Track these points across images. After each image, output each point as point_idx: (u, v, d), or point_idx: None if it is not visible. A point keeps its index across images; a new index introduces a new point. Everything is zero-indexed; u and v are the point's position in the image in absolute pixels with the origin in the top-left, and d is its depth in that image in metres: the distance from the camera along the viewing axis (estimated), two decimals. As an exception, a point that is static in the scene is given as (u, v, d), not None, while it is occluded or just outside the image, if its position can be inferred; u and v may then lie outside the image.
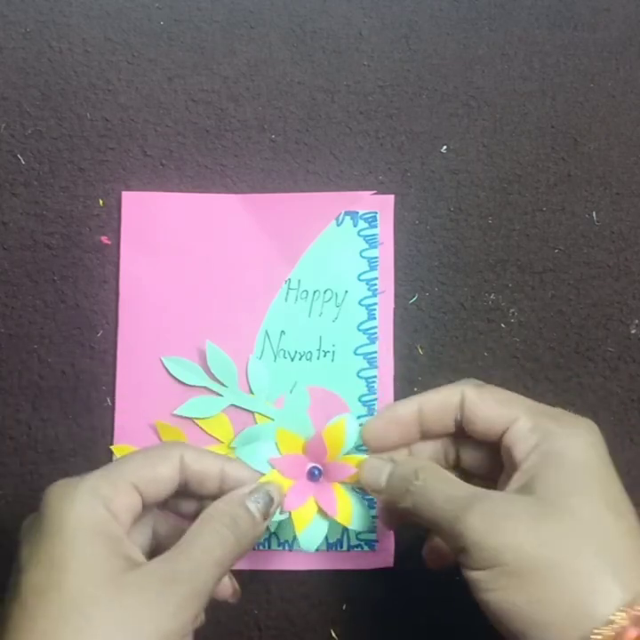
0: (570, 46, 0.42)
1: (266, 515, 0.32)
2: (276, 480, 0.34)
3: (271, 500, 0.32)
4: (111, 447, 0.39)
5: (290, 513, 0.34)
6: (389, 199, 0.41)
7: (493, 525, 0.28)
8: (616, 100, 0.42)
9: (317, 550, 0.38)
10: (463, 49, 0.42)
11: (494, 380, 0.40)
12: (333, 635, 0.39)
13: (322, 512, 0.34)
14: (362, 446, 0.34)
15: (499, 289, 0.41)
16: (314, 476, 0.34)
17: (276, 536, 0.39)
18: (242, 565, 0.39)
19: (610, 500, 0.29)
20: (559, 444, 0.29)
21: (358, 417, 0.39)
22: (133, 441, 0.39)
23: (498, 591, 0.28)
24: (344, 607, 0.39)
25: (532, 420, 0.30)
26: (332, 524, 0.35)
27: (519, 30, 0.42)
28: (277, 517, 0.34)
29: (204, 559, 0.29)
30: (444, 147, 0.41)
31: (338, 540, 0.39)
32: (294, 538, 0.39)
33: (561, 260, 0.41)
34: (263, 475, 0.33)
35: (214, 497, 0.31)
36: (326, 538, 0.38)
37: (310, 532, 0.34)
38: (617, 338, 0.41)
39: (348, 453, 0.34)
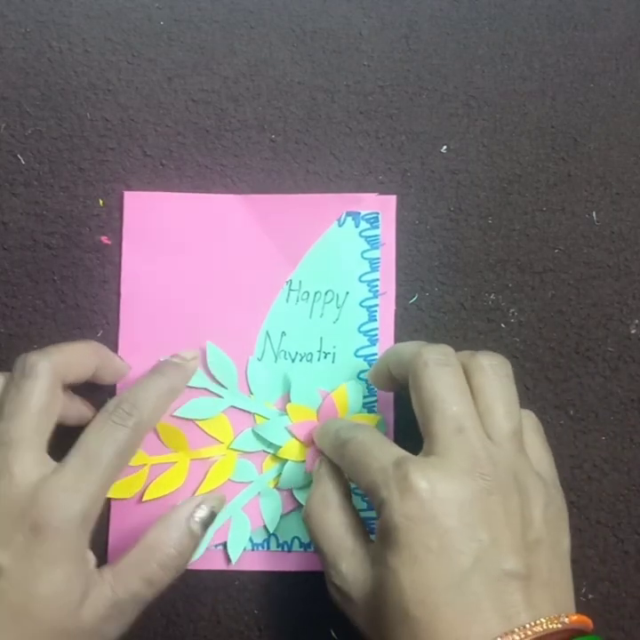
0: (570, 46, 0.42)
1: (206, 528, 0.35)
2: (295, 448, 0.38)
3: (213, 516, 0.35)
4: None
5: (312, 474, 0.37)
6: (391, 200, 0.41)
7: None
8: (616, 100, 0.42)
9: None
10: (463, 49, 0.42)
11: (494, 380, 0.40)
12: (333, 635, 0.39)
13: None
14: (367, 403, 0.39)
15: (499, 289, 0.41)
16: None
17: (276, 537, 0.39)
18: (240, 567, 0.39)
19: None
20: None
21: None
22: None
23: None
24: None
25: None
26: None
27: (519, 30, 0.42)
28: (299, 482, 0.38)
29: (142, 587, 0.33)
30: (444, 147, 0.41)
31: None
32: (293, 539, 0.39)
33: (561, 259, 0.41)
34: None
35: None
36: None
37: None
38: (617, 338, 0.41)
39: (355, 413, 0.39)
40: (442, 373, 0.32)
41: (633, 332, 0.41)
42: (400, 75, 0.41)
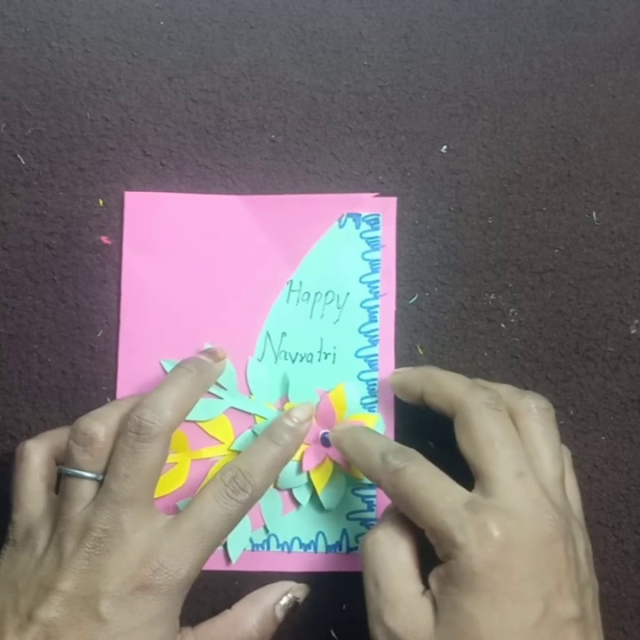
0: (570, 46, 0.42)
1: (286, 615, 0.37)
2: None
3: (297, 606, 0.37)
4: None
5: (308, 473, 0.38)
6: (392, 201, 0.41)
7: None
8: (616, 100, 0.42)
9: (317, 551, 0.38)
10: (463, 49, 0.42)
11: (494, 380, 0.40)
12: (333, 635, 0.39)
13: (337, 468, 0.38)
14: (367, 404, 0.39)
15: (499, 289, 0.41)
16: (325, 441, 0.38)
17: (276, 537, 0.39)
18: (240, 567, 0.39)
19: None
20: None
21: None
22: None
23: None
24: (344, 607, 0.39)
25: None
26: (349, 480, 0.39)
27: (519, 30, 0.42)
28: (297, 482, 0.38)
29: None
30: (444, 147, 0.41)
31: (337, 542, 0.39)
32: (293, 539, 0.39)
33: (561, 259, 0.41)
34: None
35: None
36: (325, 540, 0.39)
37: (330, 489, 0.39)
38: (617, 338, 0.41)
39: (354, 413, 0.39)
40: (496, 417, 0.33)
41: (633, 332, 0.41)
42: (400, 75, 0.41)
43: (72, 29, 0.41)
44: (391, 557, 0.32)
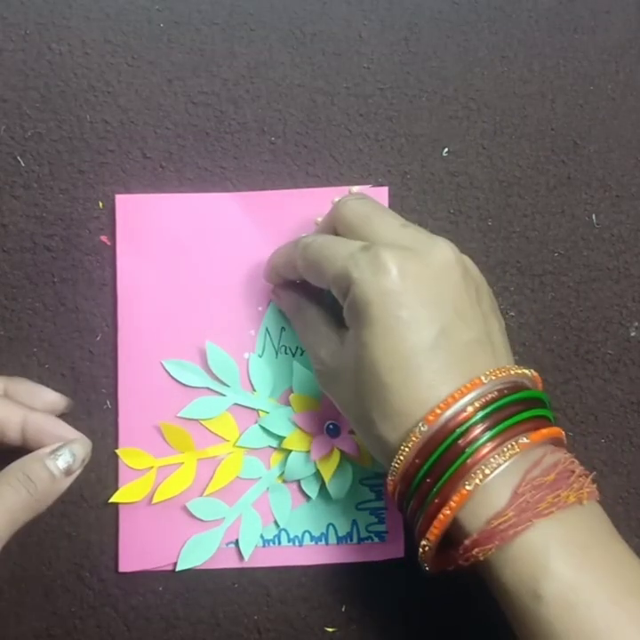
0: (570, 49, 0.42)
1: (69, 471, 0.33)
2: (299, 439, 0.38)
3: (74, 457, 0.33)
4: (117, 451, 0.39)
5: (315, 463, 0.38)
6: (383, 191, 0.41)
7: None
8: (616, 103, 0.42)
9: (328, 543, 0.39)
10: (463, 51, 0.42)
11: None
12: (333, 636, 0.39)
13: (345, 457, 0.38)
14: None
15: (498, 291, 0.41)
16: (331, 431, 0.39)
17: (286, 532, 0.39)
18: (252, 563, 0.39)
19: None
20: None
21: None
22: (139, 443, 0.39)
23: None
24: (343, 608, 0.39)
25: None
26: (356, 470, 0.39)
27: (519, 33, 0.42)
28: (305, 472, 0.38)
29: None
30: (445, 149, 0.41)
31: (348, 533, 0.39)
32: (304, 533, 0.39)
33: (561, 262, 0.41)
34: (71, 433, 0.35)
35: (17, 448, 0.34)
36: (336, 531, 0.39)
37: (337, 479, 0.39)
38: (617, 340, 0.41)
39: None
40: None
41: (632, 334, 0.41)
42: (400, 77, 0.41)
43: (72, 31, 0.41)
44: (304, 317, 0.36)
